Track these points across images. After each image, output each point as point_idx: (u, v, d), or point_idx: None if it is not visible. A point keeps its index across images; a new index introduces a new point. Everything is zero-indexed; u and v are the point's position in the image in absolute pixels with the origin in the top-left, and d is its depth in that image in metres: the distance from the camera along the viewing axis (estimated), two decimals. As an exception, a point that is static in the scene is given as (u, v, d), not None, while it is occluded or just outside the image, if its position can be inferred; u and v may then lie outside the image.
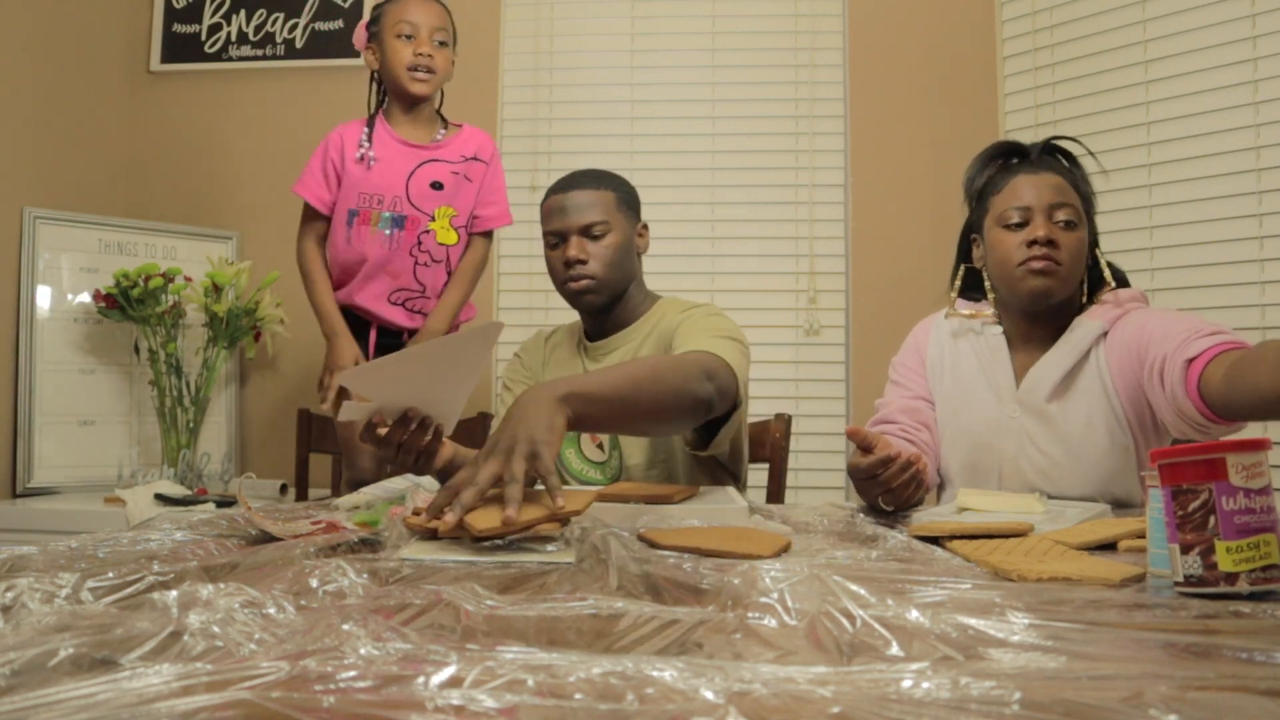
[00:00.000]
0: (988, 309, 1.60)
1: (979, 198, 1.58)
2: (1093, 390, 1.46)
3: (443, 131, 2.12)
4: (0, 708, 0.46)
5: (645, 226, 1.74)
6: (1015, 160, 1.57)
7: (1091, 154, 1.58)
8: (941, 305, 1.67)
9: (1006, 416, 1.52)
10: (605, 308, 1.68)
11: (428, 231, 2.06)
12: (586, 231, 1.64)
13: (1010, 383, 1.53)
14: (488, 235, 2.17)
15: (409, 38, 2.03)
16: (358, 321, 2.09)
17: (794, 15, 2.81)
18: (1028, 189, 1.49)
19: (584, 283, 1.64)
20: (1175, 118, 2.33)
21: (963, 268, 1.64)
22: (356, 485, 1.81)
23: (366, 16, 2.84)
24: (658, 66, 2.84)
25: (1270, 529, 0.75)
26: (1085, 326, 1.49)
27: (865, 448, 1.33)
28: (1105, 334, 1.48)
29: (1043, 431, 1.48)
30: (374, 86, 2.15)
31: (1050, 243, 1.45)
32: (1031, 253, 1.46)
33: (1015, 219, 1.49)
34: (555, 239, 1.67)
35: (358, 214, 2.06)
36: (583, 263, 1.63)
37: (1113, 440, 1.45)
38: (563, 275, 1.66)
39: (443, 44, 2.06)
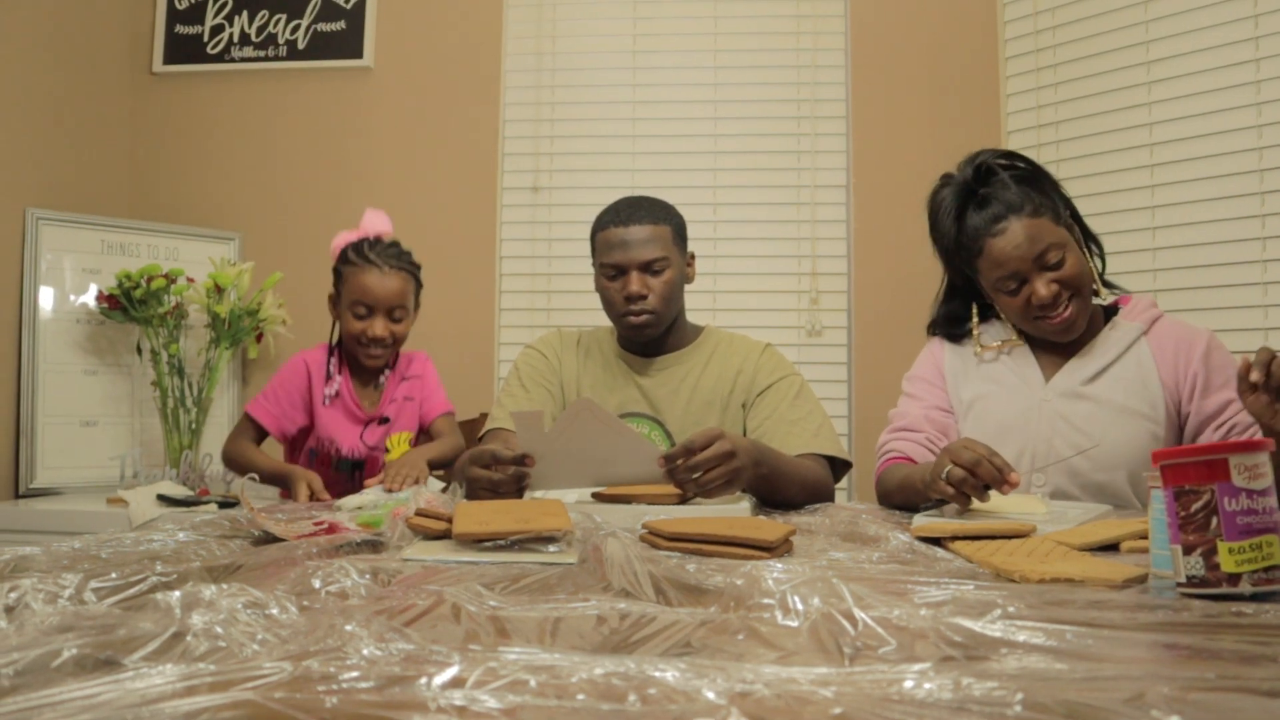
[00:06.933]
0: (1009, 334, 1.61)
1: (957, 253, 1.55)
2: (1131, 376, 1.50)
3: (386, 374, 2.09)
4: (4, 708, 0.46)
5: (693, 256, 1.80)
6: (974, 191, 1.52)
7: (1024, 160, 1.52)
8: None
9: (1039, 401, 1.53)
10: (657, 336, 1.75)
11: (386, 460, 2.06)
12: (647, 267, 1.68)
13: (1036, 374, 1.55)
14: (449, 424, 2.12)
15: (365, 315, 1.97)
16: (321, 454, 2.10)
17: (796, 16, 2.81)
18: (1005, 253, 1.46)
19: (644, 318, 1.69)
20: (1178, 118, 2.33)
21: (975, 306, 1.63)
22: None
23: (370, 19, 2.87)
24: (660, 68, 2.84)
25: (1272, 530, 0.75)
26: (1124, 327, 1.54)
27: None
28: (1145, 331, 1.53)
29: (1078, 410, 1.50)
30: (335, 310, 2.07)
31: (1055, 298, 1.47)
32: (1043, 313, 1.48)
33: (1011, 286, 1.49)
34: (614, 272, 1.70)
35: (317, 455, 2.05)
36: (643, 298, 1.67)
37: (1145, 424, 1.48)
38: (622, 309, 1.70)
39: (400, 316, 2.00)
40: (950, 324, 1.67)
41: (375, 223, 2.08)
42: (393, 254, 2.00)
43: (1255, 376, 1.17)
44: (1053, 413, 1.51)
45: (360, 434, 2.05)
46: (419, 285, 2.07)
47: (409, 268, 2.03)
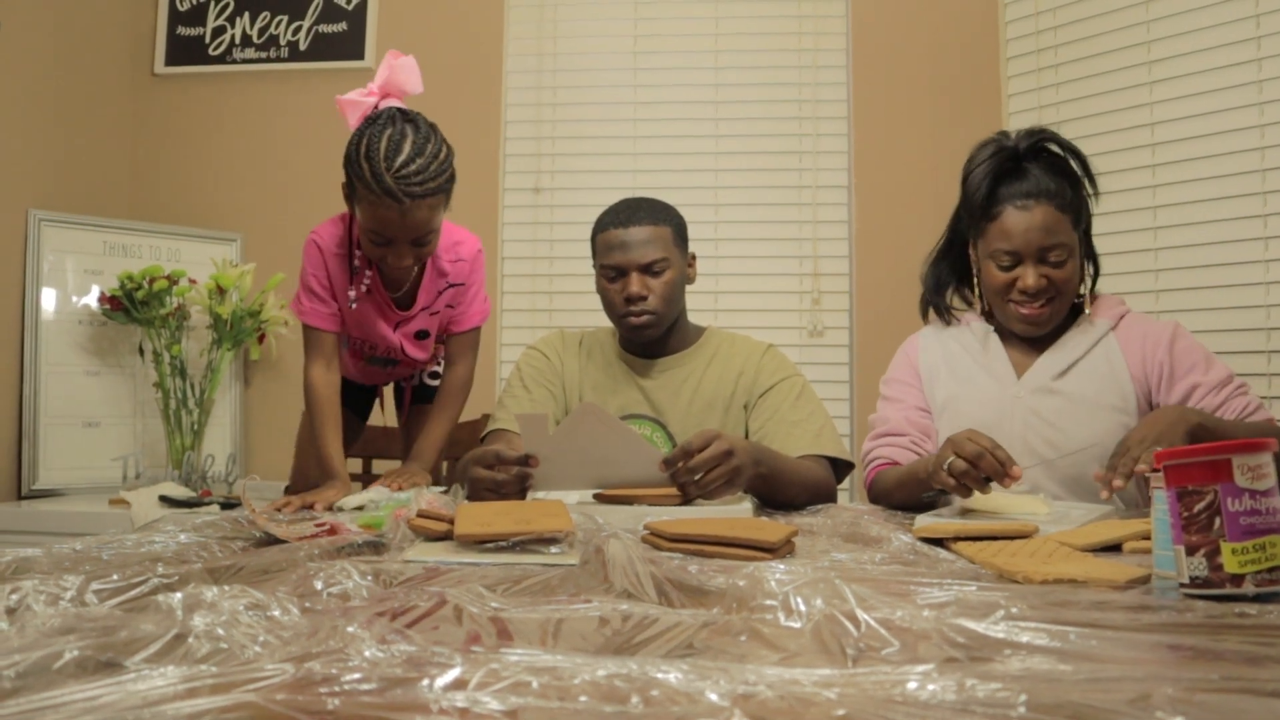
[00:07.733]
0: (975, 308, 1.65)
1: (973, 208, 1.56)
2: (1101, 371, 1.51)
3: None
4: (6, 710, 0.46)
5: (694, 257, 1.80)
6: (1011, 163, 1.53)
7: (1079, 155, 1.54)
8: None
9: (1010, 398, 1.55)
10: (659, 337, 1.74)
11: (423, 370, 1.99)
12: (647, 269, 1.68)
13: (1008, 370, 1.57)
14: (472, 339, 1.86)
15: (385, 244, 1.58)
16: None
17: (797, 17, 2.81)
18: (1018, 230, 1.48)
19: (645, 319, 1.68)
20: (1179, 118, 2.33)
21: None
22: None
23: (372, 21, 2.87)
24: (661, 68, 2.84)
25: (1276, 530, 0.75)
26: (1092, 324, 1.56)
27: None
28: (1113, 327, 1.55)
29: (1049, 405, 1.52)
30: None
31: (1038, 291, 1.49)
32: (1020, 300, 1.51)
33: (1005, 261, 1.51)
34: (614, 273, 1.69)
35: (348, 345, 1.84)
36: (643, 299, 1.67)
37: (1116, 417, 1.49)
38: (622, 310, 1.69)
39: (428, 240, 1.61)
40: (939, 291, 1.69)
41: (401, 79, 1.63)
42: (416, 178, 1.51)
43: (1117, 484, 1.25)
44: (1025, 409, 1.53)
45: (393, 328, 1.80)
46: (452, 186, 1.61)
47: (437, 189, 1.55)
